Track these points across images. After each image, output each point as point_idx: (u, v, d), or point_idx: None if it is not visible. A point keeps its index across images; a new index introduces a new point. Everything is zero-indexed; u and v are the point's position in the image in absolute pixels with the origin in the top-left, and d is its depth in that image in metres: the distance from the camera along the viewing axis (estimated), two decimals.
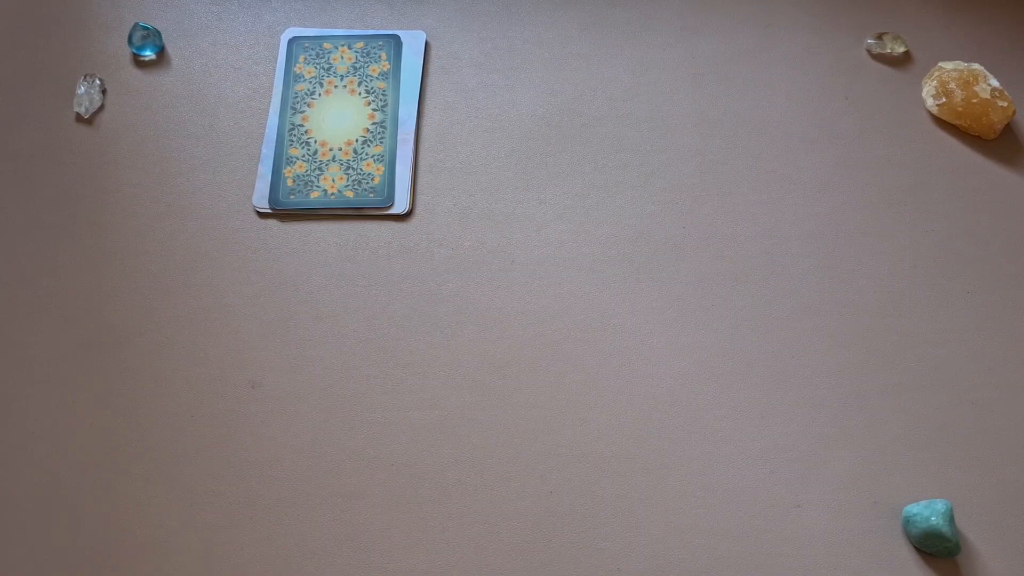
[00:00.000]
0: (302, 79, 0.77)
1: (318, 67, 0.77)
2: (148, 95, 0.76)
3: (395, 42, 0.78)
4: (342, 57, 0.77)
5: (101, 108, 0.76)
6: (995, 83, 0.75)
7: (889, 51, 0.79)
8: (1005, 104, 0.74)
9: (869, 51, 0.80)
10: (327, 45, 0.78)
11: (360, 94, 0.76)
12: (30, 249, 0.70)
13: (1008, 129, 0.76)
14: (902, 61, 0.79)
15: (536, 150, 0.75)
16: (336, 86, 0.76)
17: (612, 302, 0.68)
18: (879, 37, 0.79)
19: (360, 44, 0.78)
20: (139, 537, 0.60)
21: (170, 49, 0.79)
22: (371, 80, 0.76)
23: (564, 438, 0.63)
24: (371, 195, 0.72)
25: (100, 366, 0.65)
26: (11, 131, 0.74)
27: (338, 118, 0.75)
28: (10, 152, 0.74)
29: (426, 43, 0.79)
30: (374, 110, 0.76)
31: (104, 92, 0.76)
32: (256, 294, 0.68)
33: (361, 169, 0.73)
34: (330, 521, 0.60)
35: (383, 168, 0.73)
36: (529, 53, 0.79)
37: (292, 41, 0.78)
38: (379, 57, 0.77)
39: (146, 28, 0.77)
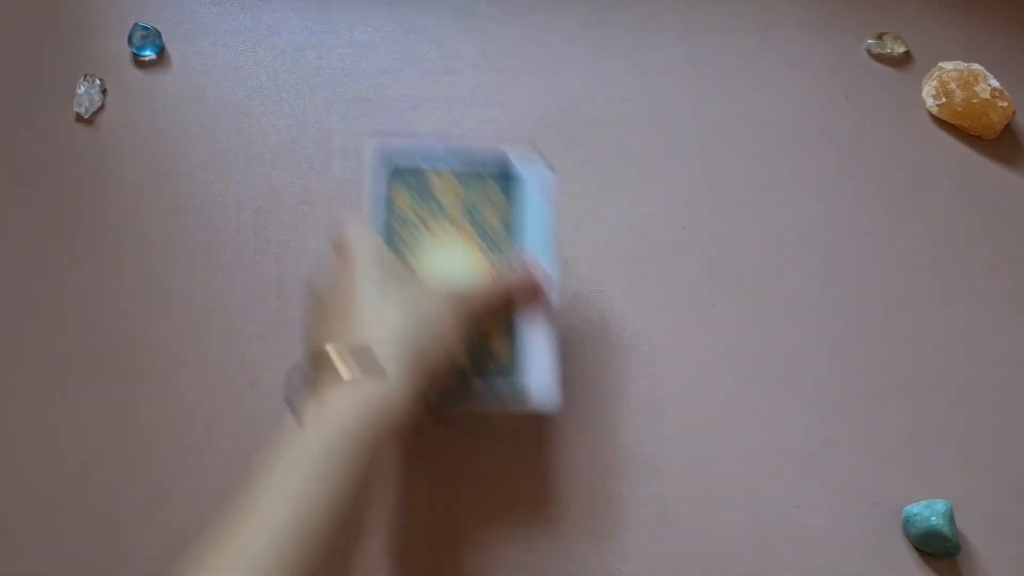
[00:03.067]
0: (400, 216, 0.60)
1: (419, 199, 0.60)
2: (148, 95, 0.76)
3: (507, 174, 0.61)
4: (447, 188, 0.60)
5: (101, 108, 0.76)
6: (995, 83, 0.75)
7: (889, 51, 0.79)
8: (1005, 104, 0.74)
9: (869, 51, 0.80)
10: (430, 174, 0.60)
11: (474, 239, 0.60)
12: (30, 249, 0.70)
13: (1008, 129, 0.76)
14: (902, 61, 0.79)
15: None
16: (445, 229, 0.60)
17: (612, 302, 0.68)
18: (879, 37, 0.79)
19: (466, 173, 0.61)
20: (140, 537, 0.60)
21: (170, 49, 0.79)
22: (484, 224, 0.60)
23: (564, 438, 0.63)
24: None
25: (99, 367, 0.65)
26: (11, 131, 0.74)
27: (450, 267, 0.59)
28: (10, 152, 0.74)
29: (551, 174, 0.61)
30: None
31: (104, 92, 0.76)
32: (256, 294, 0.68)
33: None
34: None
35: None
36: (529, 53, 0.79)
37: (394, 173, 0.60)
38: (490, 195, 0.60)
39: (146, 28, 0.77)
